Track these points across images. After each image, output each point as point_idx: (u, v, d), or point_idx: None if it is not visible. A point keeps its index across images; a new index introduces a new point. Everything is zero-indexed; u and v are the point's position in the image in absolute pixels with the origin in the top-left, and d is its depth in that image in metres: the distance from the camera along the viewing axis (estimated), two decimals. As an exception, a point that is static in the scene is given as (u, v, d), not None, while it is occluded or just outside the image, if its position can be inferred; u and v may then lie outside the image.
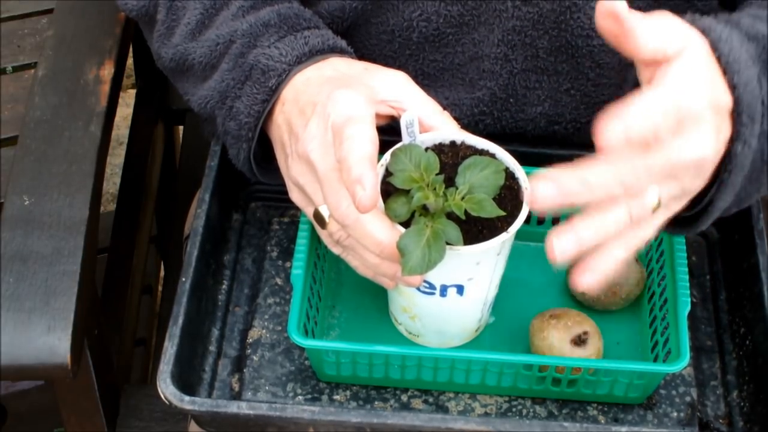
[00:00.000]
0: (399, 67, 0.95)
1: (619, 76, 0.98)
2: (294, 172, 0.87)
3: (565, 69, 0.97)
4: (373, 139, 0.81)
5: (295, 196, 0.89)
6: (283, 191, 0.91)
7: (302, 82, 0.88)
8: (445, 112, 0.89)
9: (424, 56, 0.97)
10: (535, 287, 0.98)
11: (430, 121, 0.87)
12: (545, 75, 0.97)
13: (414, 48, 0.97)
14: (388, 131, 0.88)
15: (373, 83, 0.87)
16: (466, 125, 0.98)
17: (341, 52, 0.92)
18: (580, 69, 0.97)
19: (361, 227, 0.82)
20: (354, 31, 0.98)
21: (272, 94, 0.88)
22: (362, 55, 0.98)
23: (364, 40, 0.98)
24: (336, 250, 0.88)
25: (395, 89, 0.87)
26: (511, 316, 0.95)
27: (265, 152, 0.94)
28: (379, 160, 0.84)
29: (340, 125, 0.81)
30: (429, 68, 0.98)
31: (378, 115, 0.86)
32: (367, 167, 0.78)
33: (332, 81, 0.87)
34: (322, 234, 0.88)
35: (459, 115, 0.98)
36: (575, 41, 0.95)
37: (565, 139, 1.01)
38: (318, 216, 0.84)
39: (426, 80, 0.98)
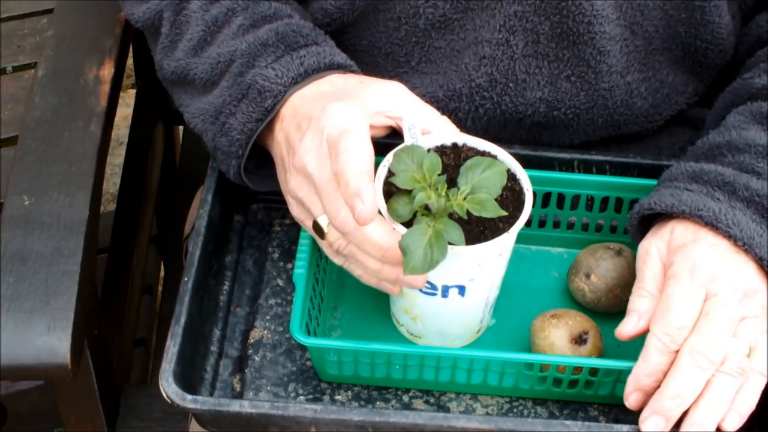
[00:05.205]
0: (405, 55, 0.96)
1: (619, 63, 0.98)
2: (293, 186, 0.87)
3: (565, 55, 0.98)
4: (368, 151, 0.82)
5: (294, 209, 0.89)
6: (284, 192, 0.91)
7: (299, 98, 0.89)
8: (444, 116, 0.89)
9: (430, 43, 0.98)
10: (536, 290, 0.98)
11: (429, 127, 0.88)
12: (546, 60, 0.98)
13: (420, 35, 0.98)
14: (390, 133, 0.88)
15: (367, 95, 0.87)
16: (466, 111, 0.98)
17: (339, 67, 0.92)
18: (580, 55, 0.97)
19: (361, 233, 0.82)
20: (361, 20, 0.98)
21: (267, 114, 0.89)
22: (369, 42, 0.99)
23: (371, 28, 0.99)
24: (338, 260, 0.88)
25: (390, 100, 0.88)
26: (512, 319, 0.95)
27: (258, 162, 0.94)
28: (380, 162, 0.85)
29: (335, 138, 0.82)
30: (433, 55, 0.99)
31: (375, 127, 0.87)
32: (364, 180, 0.79)
33: (328, 95, 0.88)
34: (323, 245, 0.88)
35: (458, 100, 0.99)
36: (577, 27, 0.95)
37: (565, 125, 1.01)
38: (317, 227, 0.84)
39: (428, 66, 0.99)
